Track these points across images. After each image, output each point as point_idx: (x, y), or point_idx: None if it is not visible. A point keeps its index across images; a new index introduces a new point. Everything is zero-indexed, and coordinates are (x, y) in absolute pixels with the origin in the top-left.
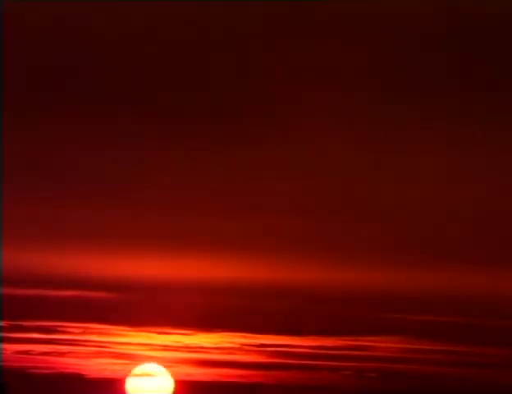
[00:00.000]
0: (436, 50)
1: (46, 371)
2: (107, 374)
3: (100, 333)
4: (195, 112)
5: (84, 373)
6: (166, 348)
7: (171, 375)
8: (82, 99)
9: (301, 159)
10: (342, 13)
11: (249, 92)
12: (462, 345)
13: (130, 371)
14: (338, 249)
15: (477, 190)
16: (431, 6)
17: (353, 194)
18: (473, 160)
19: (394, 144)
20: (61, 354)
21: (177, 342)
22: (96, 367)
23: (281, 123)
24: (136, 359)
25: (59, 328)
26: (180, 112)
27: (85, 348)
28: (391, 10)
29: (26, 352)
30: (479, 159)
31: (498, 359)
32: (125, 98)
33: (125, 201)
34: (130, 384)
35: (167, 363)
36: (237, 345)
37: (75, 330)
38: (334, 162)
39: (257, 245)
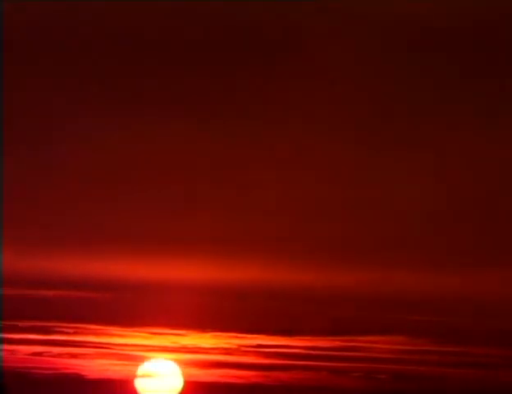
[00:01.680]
0: (437, 49)
1: (46, 372)
2: (107, 375)
3: (100, 334)
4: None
5: (84, 373)
6: (164, 349)
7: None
8: (84, 99)
9: (302, 162)
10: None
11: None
12: (461, 346)
13: (129, 371)
14: (337, 251)
15: (478, 191)
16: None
17: (351, 197)
18: (471, 160)
19: (393, 146)
20: (61, 355)
21: (175, 343)
22: (96, 368)
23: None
24: (136, 360)
25: (58, 329)
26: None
27: (86, 349)
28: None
29: (27, 353)
30: (478, 160)
31: (498, 360)
32: (133, 92)
33: (123, 203)
34: (140, 383)
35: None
36: (234, 346)
37: (72, 330)
38: (333, 166)
39: (254, 247)
